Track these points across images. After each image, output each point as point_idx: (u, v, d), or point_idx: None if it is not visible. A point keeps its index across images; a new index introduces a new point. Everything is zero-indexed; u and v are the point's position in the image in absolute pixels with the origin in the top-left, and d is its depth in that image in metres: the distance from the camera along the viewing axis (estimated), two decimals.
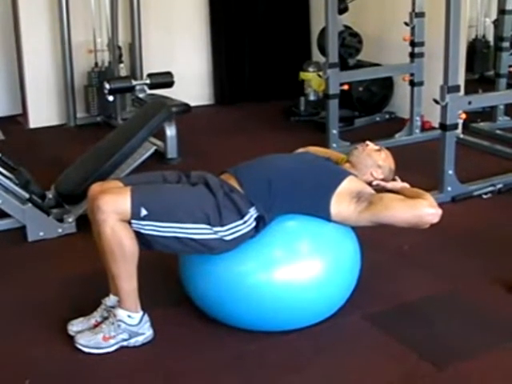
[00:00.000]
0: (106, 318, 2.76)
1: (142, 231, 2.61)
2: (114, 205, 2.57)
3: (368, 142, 3.06)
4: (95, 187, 2.80)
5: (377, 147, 3.06)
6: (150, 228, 2.61)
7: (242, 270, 2.71)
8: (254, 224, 2.70)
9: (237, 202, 2.69)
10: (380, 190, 2.92)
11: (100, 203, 2.56)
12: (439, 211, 2.73)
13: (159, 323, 2.82)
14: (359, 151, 3.02)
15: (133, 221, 2.59)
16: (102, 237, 2.59)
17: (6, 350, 2.77)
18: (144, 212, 2.58)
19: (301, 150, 3.25)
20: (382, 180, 2.99)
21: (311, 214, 2.76)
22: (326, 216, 2.76)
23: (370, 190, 2.85)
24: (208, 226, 2.63)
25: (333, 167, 2.95)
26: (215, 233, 2.64)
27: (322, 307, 2.83)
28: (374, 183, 2.97)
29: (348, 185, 2.79)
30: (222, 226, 2.65)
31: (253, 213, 2.70)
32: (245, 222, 2.68)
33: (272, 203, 2.72)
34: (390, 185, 2.96)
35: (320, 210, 2.75)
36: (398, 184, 2.95)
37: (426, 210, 2.71)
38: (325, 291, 2.77)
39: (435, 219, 2.73)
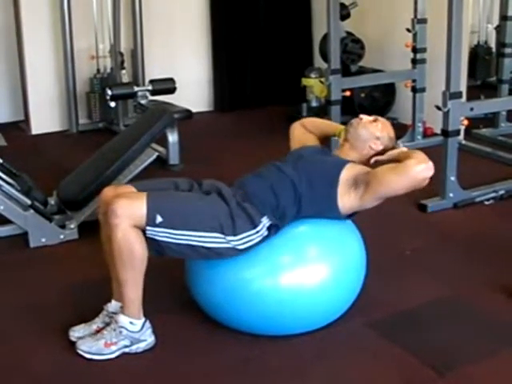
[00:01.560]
0: (107, 324, 2.76)
1: (157, 238, 2.59)
2: (129, 209, 2.54)
3: (362, 116, 2.99)
4: (108, 191, 2.78)
5: (371, 118, 2.98)
6: (165, 235, 2.59)
7: (248, 275, 2.71)
8: (266, 233, 2.70)
9: (249, 212, 2.69)
10: (381, 163, 2.85)
11: (115, 207, 2.53)
12: (430, 164, 2.68)
13: (163, 327, 2.82)
14: (354, 126, 2.95)
15: (148, 227, 2.56)
16: (112, 241, 2.57)
17: (7, 355, 2.76)
18: (159, 219, 2.56)
19: (296, 123, 3.24)
20: (382, 152, 2.91)
21: (324, 215, 2.76)
22: (336, 213, 2.76)
23: (365, 170, 2.81)
24: (221, 235, 2.63)
25: (329, 163, 2.88)
26: (228, 242, 2.64)
27: (327, 312, 2.83)
28: (372, 161, 2.91)
29: (344, 175, 2.76)
30: (235, 235, 2.64)
31: (265, 222, 2.70)
32: (257, 232, 2.68)
33: (283, 211, 2.72)
34: (385, 157, 2.89)
35: (331, 210, 2.75)
36: (395, 152, 2.87)
37: (416, 169, 2.66)
38: (330, 296, 2.77)
39: (429, 173, 2.68)
